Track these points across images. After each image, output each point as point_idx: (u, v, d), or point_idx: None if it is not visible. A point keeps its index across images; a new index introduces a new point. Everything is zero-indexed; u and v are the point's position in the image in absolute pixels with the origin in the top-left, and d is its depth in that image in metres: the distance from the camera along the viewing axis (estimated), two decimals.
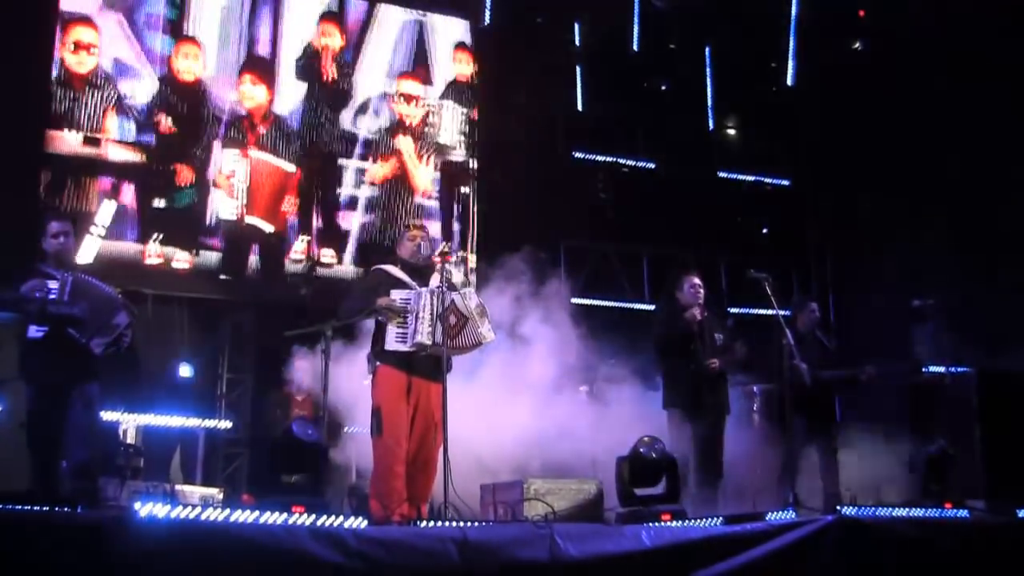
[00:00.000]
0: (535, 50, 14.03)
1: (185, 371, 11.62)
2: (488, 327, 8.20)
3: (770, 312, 9.33)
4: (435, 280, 8.17)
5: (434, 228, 12.69)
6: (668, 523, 7.43)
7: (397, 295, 8.09)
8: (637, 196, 14.55)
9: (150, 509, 5.78)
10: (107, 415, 9.40)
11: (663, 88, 14.93)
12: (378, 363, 8.18)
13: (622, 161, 14.90)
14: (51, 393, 7.97)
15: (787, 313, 9.37)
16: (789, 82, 15.75)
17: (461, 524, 6.78)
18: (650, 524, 7.16)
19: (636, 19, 15.10)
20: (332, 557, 5.94)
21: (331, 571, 5.91)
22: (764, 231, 15.13)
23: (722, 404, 9.76)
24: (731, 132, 15.59)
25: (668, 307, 10.21)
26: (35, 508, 5.89)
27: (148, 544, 5.59)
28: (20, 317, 8.05)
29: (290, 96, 12.96)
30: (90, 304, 8.05)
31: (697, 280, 9.92)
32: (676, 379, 9.66)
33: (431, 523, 6.90)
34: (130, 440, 9.65)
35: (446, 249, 8.46)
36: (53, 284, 7.99)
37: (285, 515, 6.25)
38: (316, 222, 12.89)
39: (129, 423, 9.74)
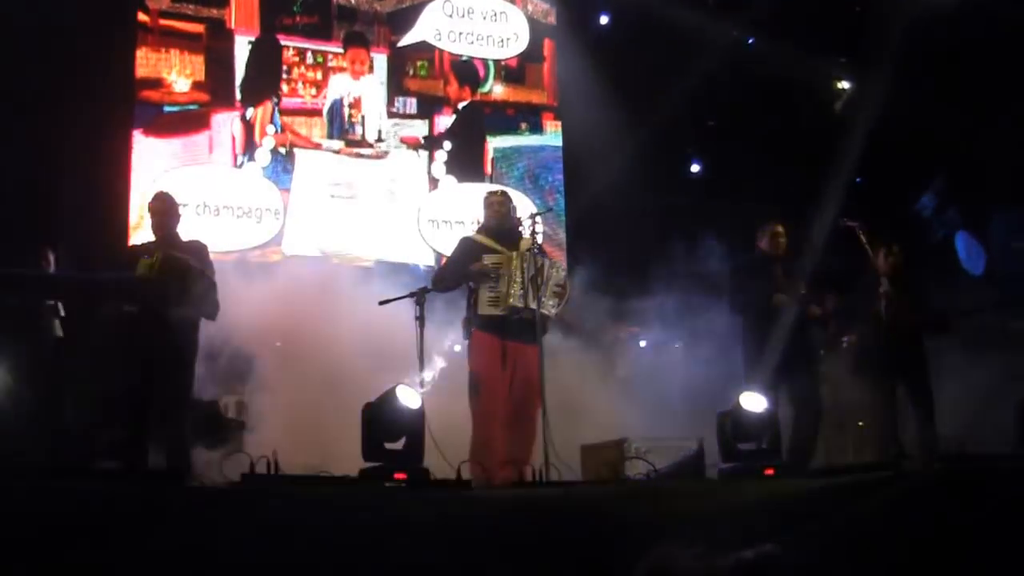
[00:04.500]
0: None
1: None
2: (553, 303, 8.21)
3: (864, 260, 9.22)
4: (525, 244, 8.19)
5: None
6: (771, 477, 7.39)
7: (488, 260, 8.12)
8: (718, 149, 14.38)
9: (257, 481, 5.85)
10: (209, 390, 9.54)
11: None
12: (473, 329, 8.22)
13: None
14: (143, 366, 8.08)
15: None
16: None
17: (562, 485, 6.79)
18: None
19: None
20: (434, 522, 5.96)
21: (434, 536, 5.93)
22: (856, 179, 14.83)
23: (810, 351, 9.64)
24: (842, 85, 15.33)
25: (748, 262, 10.13)
26: (140, 480, 5.95)
27: (255, 514, 5.64)
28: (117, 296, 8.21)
29: None
30: (178, 280, 8.16)
31: (780, 228, 9.75)
32: (754, 332, 9.56)
33: (532, 486, 6.91)
34: (231, 415, 9.75)
35: (537, 211, 8.49)
36: (146, 261, 8.14)
37: (387, 482, 6.29)
38: None
39: (230, 398, 9.85)
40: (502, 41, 13.41)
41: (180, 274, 8.12)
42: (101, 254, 9.97)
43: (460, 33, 13.22)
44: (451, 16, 13.21)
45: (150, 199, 8.70)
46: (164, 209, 8.55)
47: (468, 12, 13.29)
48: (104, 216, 11.08)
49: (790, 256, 9.67)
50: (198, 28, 12.06)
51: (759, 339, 9.26)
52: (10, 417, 7.46)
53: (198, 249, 8.54)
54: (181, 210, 8.76)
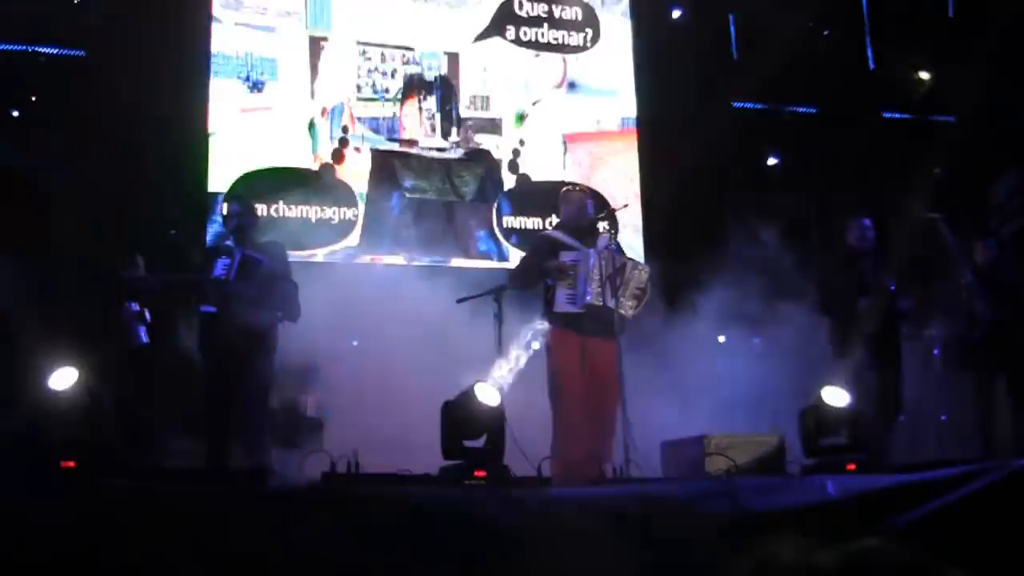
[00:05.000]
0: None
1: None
2: (631, 304, 8.17)
3: (945, 254, 9.11)
4: (603, 240, 8.16)
5: None
6: (854, 473, 7.30)
7: (566, 257, 8.09)
8: (800, 142, 14.24)
9: (335, 479, 5.85)
10: (287, 390, 9.59)
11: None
12: (550, 326, 8.19)
13: (783, 108, 14.59)
14: (223, 367, 8.14)
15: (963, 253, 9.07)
16: (950, 14, 15.23)
17: (643, 482, 6.75)
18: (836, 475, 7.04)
19: None
20: (515, 521, 5.93)
21: (515, 535, 5.91)
22: (935, 171, 14.64)
23: (896, 346, 9.51)
24: (924, 76, 15.09)
25: (834, 255, 9.99)
26: (222, 481, 5.97)
27: (334, 514, 5.65)
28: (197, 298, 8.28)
29: None
30: (258, 281, 8.19)
31: (866, 222, 9.64)
32: (845, 328, 9.44)
33: (613, 482, 6.88)
34: (310, 414, 9.79)
35: (614, 207, 8.46)
36: (225, 262, 8.19)
37: (468, 480, 6.28)
38: None
39: (309, 397, 9.89)
40: (576, 35, 13.37)
41: (259, 275, 8.17)
42: (179, 256, 10.05)
43: (534, 30, 13.20)
44: (524, 13, 13.20)
45: (227, 201, 8.77)
46: (241, 211, 8.60)
47: (541, 7, 13.27)
48: (181, 217, 11.17)
49: (878, 250, 9.57)
50: (273, 26, 12.14)
51: (844, 336, 9.18)
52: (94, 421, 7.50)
53: (276, 250, 8.58)
54: (258, 210, 8.81)
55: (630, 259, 8.33)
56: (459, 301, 8.70)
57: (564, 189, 8.95)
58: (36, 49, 11.35)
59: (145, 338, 9.29)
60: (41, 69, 11.33)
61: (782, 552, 2.73)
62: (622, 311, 8.08)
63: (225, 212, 8.80)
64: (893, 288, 9.33)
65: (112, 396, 8.38)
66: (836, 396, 7.82)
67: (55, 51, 11.41)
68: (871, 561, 2.60)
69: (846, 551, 2.61)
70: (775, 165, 14.40)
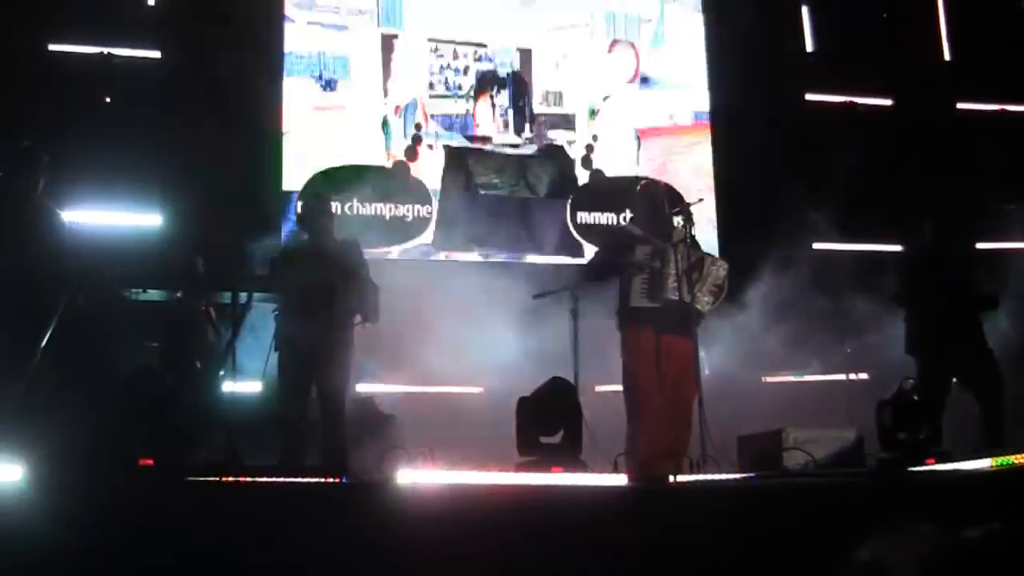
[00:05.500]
0: None
1: None
2: (707, 300, 8.12)
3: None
4: (678, 235, 8.12)
5: None
6: (933, 467, 7.24)
7: (641, 251, 8.06)
8: (871, 135, 14.10)
9: (411, 476, 5.86)
10: (363, 387, 9.63)
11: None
12: (626, 321, 8.16)
13: (857, 100, 14.45)
14: (300, 365, 8.17)
15: None
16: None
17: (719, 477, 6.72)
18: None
19: None
20: (590, 516, 5.93)
21: (590, 530, 5.90)
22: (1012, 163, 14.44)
23: (977, 339, 9.37)
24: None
25: (914, 247, 9.89)
26: (298, 479, 6.00)
27: (411, 510, 5.66)
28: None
29: None
30: (335, 280, 8.22)
31: (947, 216, 9.54)
32: (920, 320, 9.32)
33: (689, 478, 6.85)
34: (385, 410, 9.82)
35: (689, 202, 8.40)
36: (300, 261, 8.22)
37: (544, 475, 6.27)
38: None
39: (384, 393, 9.93)
40: (650, 29, 13.33)
41: (336, 274, 8.20)
42: (254, 255, 10.12)
43: (608, 24, 13.18)
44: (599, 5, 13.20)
45: (302, 199, 8.79)
46: (317, 208, 8.64)
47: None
48: (257, 216, 11.23)
49: (958, 244, 9.48)
50: (346, 25, 12.21)
51: (923, 328, 9.07)
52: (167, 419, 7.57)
53: (351, 247, 8.60)
54: (333, 208, 8.83)
55: (708, 254, 8.29)
56: (535, 297, 8.71)
57: (640, 183, 8.92)
58: (111, 50, 11.43)
59: (212, 337, 9.41)
60: (116, 70, 11.43)
61: (899, 541, 2.67)
62: (698, 306, 8.03)
63: (300, 210, 8.85)
64: (973, 279, 9.23)
65: (190, 393, 8.48)
66: (913, 389, 7.77)
67: (129, 52, 11.48)
68: (991, 546, 2.56)
69: (964, 537, 2.57)
70: (850, 157, 14.25)
